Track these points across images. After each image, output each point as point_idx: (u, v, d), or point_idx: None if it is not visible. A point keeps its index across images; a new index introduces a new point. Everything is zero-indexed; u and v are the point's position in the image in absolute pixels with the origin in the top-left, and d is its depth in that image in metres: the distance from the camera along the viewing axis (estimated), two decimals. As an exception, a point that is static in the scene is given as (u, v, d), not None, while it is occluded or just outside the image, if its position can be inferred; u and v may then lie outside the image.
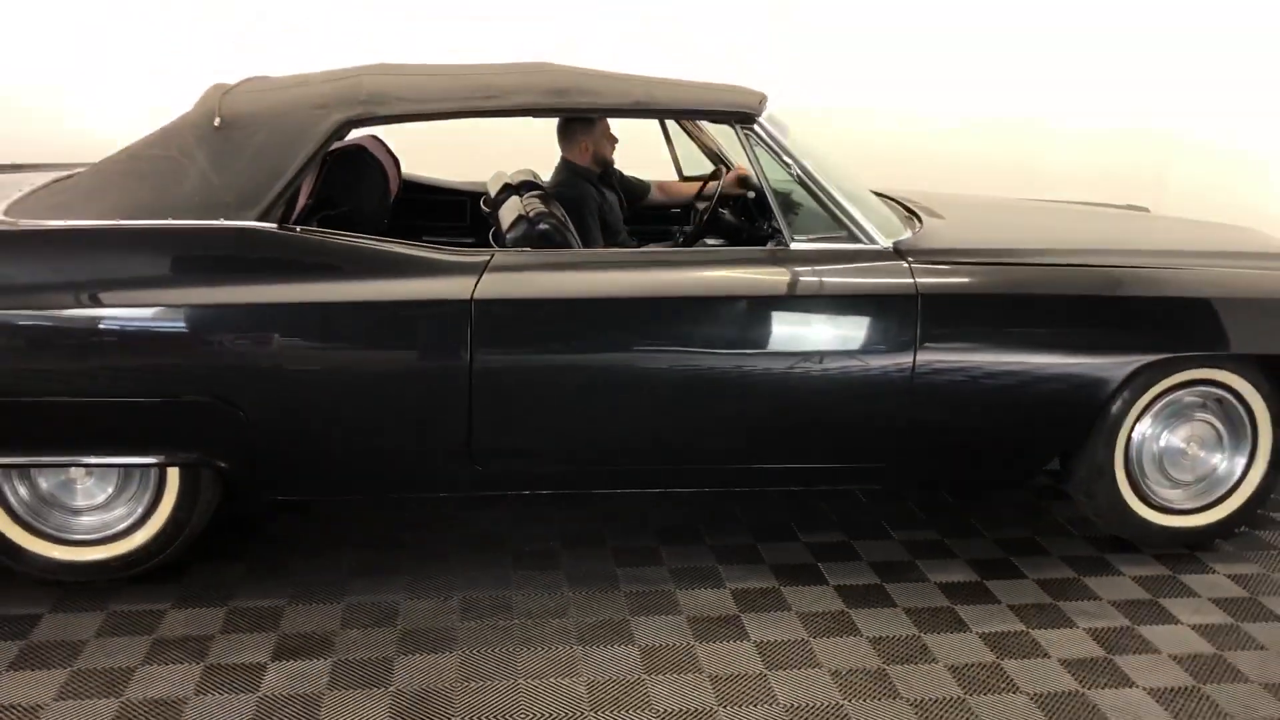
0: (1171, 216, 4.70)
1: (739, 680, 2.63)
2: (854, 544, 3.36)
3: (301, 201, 3.17)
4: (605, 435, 3.04)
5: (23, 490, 2.91)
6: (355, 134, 3.26)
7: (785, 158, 3.11)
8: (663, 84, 3.35)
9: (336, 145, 3.20)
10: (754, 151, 3.14)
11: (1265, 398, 3.31)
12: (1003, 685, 2.65)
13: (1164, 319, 3.20)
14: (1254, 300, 3.24)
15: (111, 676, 2.56)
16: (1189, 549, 3.38)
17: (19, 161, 3.79)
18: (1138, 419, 3.26)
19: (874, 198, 3.44)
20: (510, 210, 3.38)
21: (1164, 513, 3.35)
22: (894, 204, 3.63)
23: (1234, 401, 3.32)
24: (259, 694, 2.52)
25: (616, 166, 4.11)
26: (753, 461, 3.16)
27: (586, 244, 3.48)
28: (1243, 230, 4.00)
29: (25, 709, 2.44)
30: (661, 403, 3.00)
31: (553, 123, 3.84)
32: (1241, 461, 3.37)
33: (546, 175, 3.92)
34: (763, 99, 3.23)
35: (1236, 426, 3.35)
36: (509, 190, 3.71)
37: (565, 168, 3.83)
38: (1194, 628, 2.95)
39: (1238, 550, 3.41)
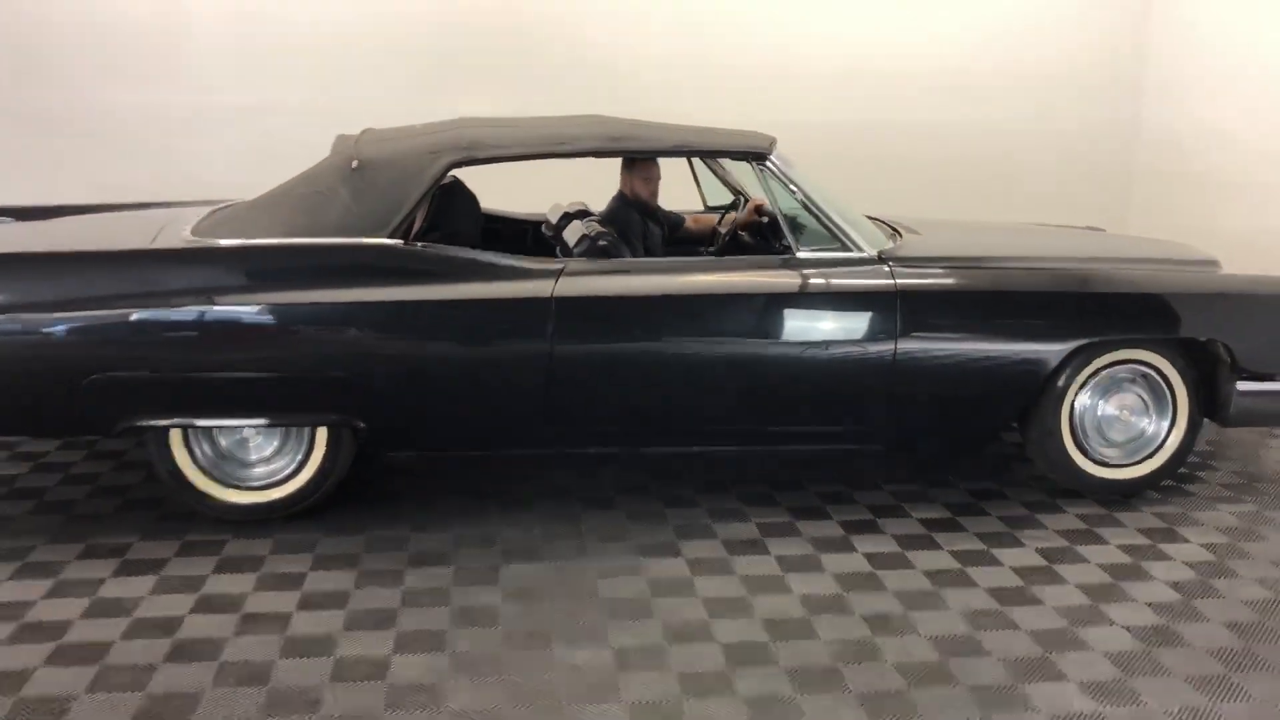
0: (1119, 234, 5.54)
1: (763, 579, 3.45)
2: (852, 492, 4.19)
3: (416, 224, 4.03)
4: (653, 403, 3.87)
5: (207, 448, 3.77)
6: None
7: (792, 186, 3.96)
8: (694, 130, 4.22)
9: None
10: (767, 182, 3.99)
11: (1181, 373, 4.11)
12: (965, 583, 3.47)
13: (1095, 309, 4.01)
14: (1169, 294, 4.03)
15: (290, 579, 3.41)
16: (1124, 496, 4.18)
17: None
18: (1079, 390, 4.08)
19: (864, 217, 4.29)
20: (574, 231, 4.25)
21: (1103, 467, 4.15)
22: (881, 223, 4.48)
23: (1157, 377, 4.13)
24: (403, 588, 3.36)
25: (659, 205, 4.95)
26: (770, 425, 3.99)
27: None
28: (1171, 243, 4.84)
29: (233, 597, 3.28)
30: (697, 377, 3.83)
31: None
32: (1165, 425, 4.17)
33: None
34: (773, 140, 4.09)
35: (1160, 397, 4.15)
36: (567, 217, 4.59)
37: (619, 198, 4.69)
38: (1119, 547, 3.76)
39: (1164, 497, 4.22)
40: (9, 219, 4.81)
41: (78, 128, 6.16)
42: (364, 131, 4.22)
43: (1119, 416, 4.14)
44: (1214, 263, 4.47)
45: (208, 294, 3.60)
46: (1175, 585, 3.47)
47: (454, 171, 4.25)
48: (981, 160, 6.91)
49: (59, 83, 6.13)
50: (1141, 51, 6.93)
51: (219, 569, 3.46)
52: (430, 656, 2.96)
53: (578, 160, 3.99)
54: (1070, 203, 6.72)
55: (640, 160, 4.67)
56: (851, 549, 3.69)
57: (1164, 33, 6.76)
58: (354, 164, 3.82)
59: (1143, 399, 4.15)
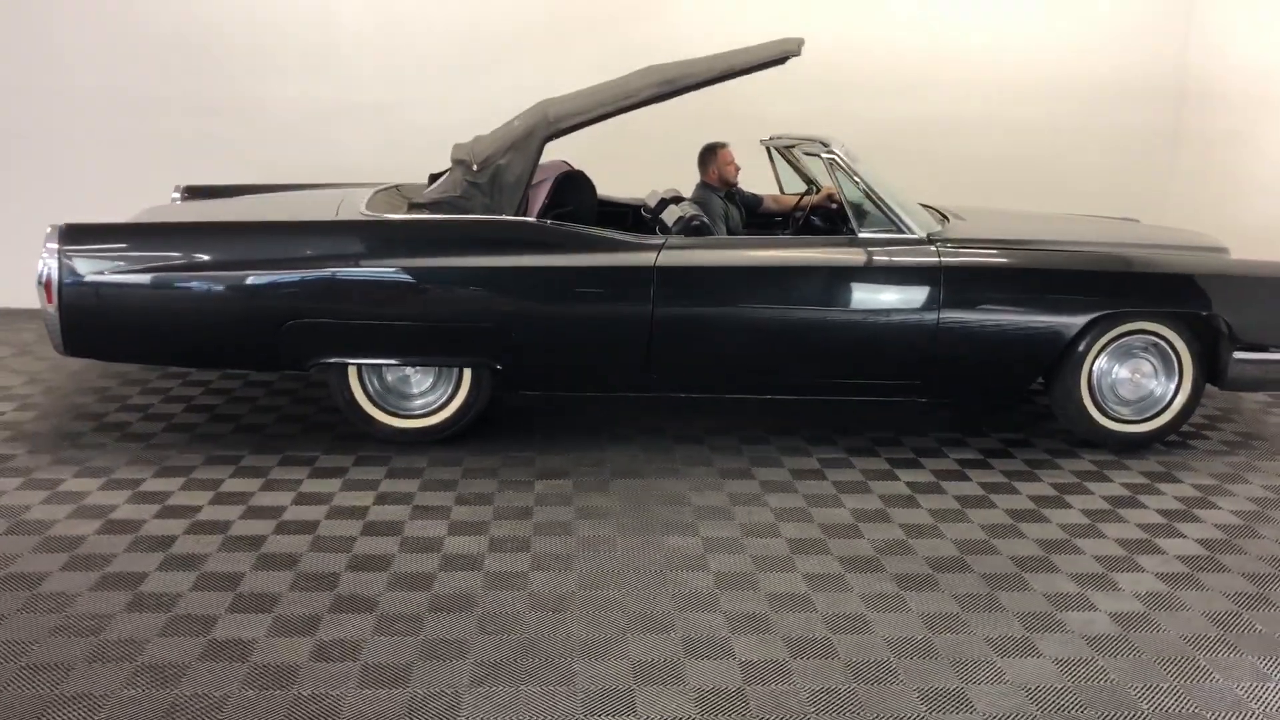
0: (1147, 224, 6.22)
1: (821, 497, 4.28)
2: (900, 437, 4.99)
3: (539, 204, 4.90)
4: (735, 357, 4.70)
5: (375, 382, 4.69)
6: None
7: (855, 177, 4.76)
8: (732, 53, 4.85)
9: (564, 170, 4.96)
10: (835, 173, 4.79)
11: (1187, 343, 4.84)
12: (987, 505, 4.25)
13: (1111, 286, 4.75)
14: (1176, 274, 4.77)
15: (446, 484, 4.31)
16: (1135, 447, 4.92)
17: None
18: (1097, 356, 4.82)
19: (917, 205, 5.06)
20: (671, 213, 5.10)
21: (1117, 422, 4.90)
22: (932, 210, 5.26)
23: (1166, 346, 4.85)
24: (535, 492, 4.24)
25: (740, 186, 5.77)
26: (832, 378, 4.80)
27: (718, 236, 5.16)
28: (1189, 232, 5.55)
29: (404, 494, 4.19)
30: (774, 335, 4.65)
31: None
32: (1172, 388, 4.89)
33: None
34: (800, 41, 4.72)
35: (1168, 363, 4.88)
36: (664, 202, 5.43)
37: (701, 186, 5.52)
38: (1122, 484, 4.51)
39: (1168, 449, 4.95)
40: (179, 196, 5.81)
41: (238, 117, 7.13)
42: (474, 139, 5.08)
43: (1131, 379, 4.86)
44: (1223, 249, 5.17)
45: (380, 257, 4.51)
46: (1163, 513, 4.22)
47: (571, 160, 5.17)
48: (1037, 157, 7.60)
49: (224, 77, 7.11)
50: (1181, 63, 7.57)
51: (389, 475, 4.38)
52: (560, 539, 3.83)
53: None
54: (1115, 197, 7.39)
55: (713, 151, 5.49)
56: (895, 478, 4.50)
57: (1201, 49, 7.41)
58: (475, 166, 4.69)
59: (1153, 365, 4.88)
